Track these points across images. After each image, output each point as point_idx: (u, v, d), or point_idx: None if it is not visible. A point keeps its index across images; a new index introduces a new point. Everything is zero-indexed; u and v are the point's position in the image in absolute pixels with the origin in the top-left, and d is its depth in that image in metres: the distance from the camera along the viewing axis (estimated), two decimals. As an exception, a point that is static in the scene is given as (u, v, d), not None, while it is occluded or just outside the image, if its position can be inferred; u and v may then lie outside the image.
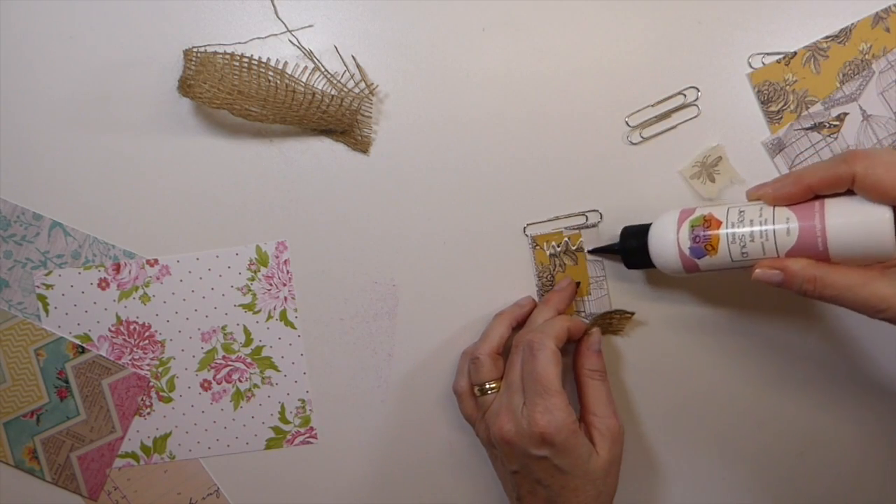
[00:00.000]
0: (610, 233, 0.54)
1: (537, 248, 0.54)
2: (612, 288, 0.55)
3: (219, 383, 0.55)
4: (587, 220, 0.54)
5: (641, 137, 0.54)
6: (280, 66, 0.51)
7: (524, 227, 0.54)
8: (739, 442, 0.56)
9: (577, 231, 0.54)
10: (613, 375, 0.56)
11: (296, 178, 0.54)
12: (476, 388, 0.52)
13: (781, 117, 0.54)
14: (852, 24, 0.54)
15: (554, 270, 0.54)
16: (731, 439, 0.56)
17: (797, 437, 0.56)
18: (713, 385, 0.56)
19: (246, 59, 0.50)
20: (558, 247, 0.54)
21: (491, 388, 0.51)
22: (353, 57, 0.53)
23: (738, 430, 0.56)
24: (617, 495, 0.50)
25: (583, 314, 0.55)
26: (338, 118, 0.52)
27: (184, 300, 0.54)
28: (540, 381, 0.48)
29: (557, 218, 0.54)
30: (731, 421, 0.56)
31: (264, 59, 0.51)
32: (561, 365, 0.49)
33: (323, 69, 0.52)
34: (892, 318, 0.42)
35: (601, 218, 0.54)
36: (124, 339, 0.55)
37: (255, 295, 0.54)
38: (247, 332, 0.55)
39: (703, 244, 0.46)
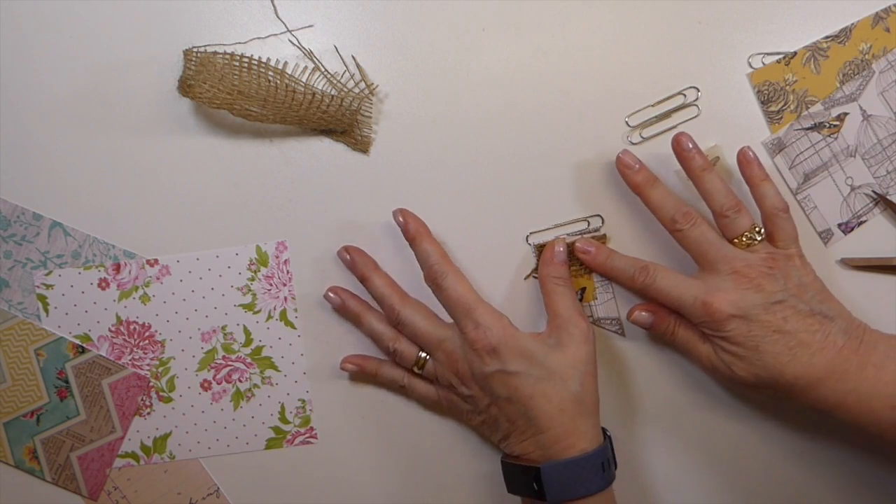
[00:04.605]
0: (611, 234, 0.54)
1: (540, 255, 0.54)
2: (618, 291, 0.55)
3: (219, 383, 0.55)
4: (589, 224, 0.54)
5: (641, 137, 0.54)
6: (280, 66, 0.51)
7: (527, 237, 0.54)
8: (737, 442, 0.56)
9: (579, 236, 0.54)
10: (614, 376, 0.56)
11: (296, 178, 0.54)
12: (415, 370, 0.52)
13: (781, 117, 0.54)
14: (852, 24, 0.54)
15: None
16: (729, 440, 0.56)
17: (797, 438, 0.56)
18: (711, 386, 0.56)
19: (246, 59, 0.50)
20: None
21: (424, 358, 0.52)
22: (353, 57, 0.53)
23: (736, 430, 0.56)
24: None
25: (590, 319, 0.55)
26: (338, 118, 0.52)
27: (184, 300, 0.54)
28: (457, 303, 0.49)
29: (559, 225, 0.54)
30: (730, 422, 0.56)
31: (264, 59, 0.51)
32: (465, 278, 0.50)
33: (323, 69, 0.52)
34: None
35: (602, 222, 0.54)
36: (124, 339, 0.55)
37: (255, 295, 0.54)
38: (247, 332, 0.55)
39: None
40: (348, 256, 0.53)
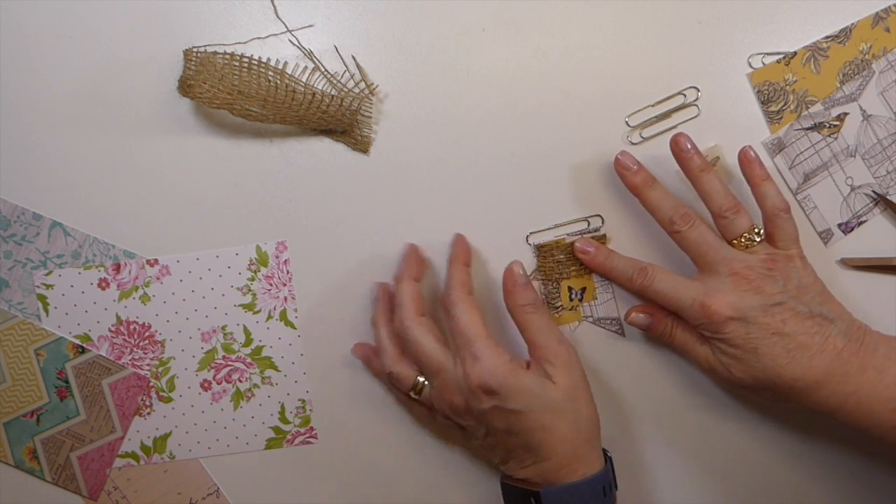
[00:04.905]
0: (611, 234, 0.54)
1: (540, 255, 0.54)
2: (618, 291, 0.55)
3: (219, 383, 0.55)
4: (589, 224, 0.54)
5: (641, 137, 0.54)
6: (280, 66, 0.51)
7: (527, 237, 0.54)
8: (736, 444, 0.56)
9: (579, 236, 0.54)
10: (613, 376, 0.56)
11: (296, 178, 0.54)
12: (412, 395, 0.50)
13: (781, 117, 0.54)
14: (852, 24, 0.54)
15: (560, 276, 0.54)
16: (727, 441, 0.56)
17: (795, 439, 0.56)
18: (710, 387, 0.56)
19: (246, 59, 0.50)
20: (561, 254, 0.54)
21: (423, 383, 0.50)
22: (353, 57, 0.53)
23: (734, 431, 0.56)
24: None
25: (590, 319, 0.55)
26: (338, 118, 0.52)
27: (184, 300, 0.54)
28: (461, 333, 0.48)
29: (559, 225, 0.54)
30: (728, 423, 0.56)
31: (264, 59, 0.51)
32: (478, 310, 0.49)
33: (323, 69, 0.52)
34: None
35: (602, 222, 0.54)
36: (124, 339, 0.55)
37: (255, 295, 0.54)
38: (247, 332, 0.55)
39: None
40: (405, 252, 0.53)
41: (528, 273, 0.54)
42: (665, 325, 0.52)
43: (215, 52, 0.50)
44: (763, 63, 0.54)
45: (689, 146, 0.50)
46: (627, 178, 0.51)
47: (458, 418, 0.49)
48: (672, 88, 0.54)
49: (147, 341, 0.55)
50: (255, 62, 0.50)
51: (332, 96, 0.51)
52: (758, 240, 0.49)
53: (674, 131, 0.53)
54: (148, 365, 0.55)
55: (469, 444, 0.53)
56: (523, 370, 0.48)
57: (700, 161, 0.50)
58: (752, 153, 0.50)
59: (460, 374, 0.47)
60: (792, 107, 0.54)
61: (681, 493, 0.57)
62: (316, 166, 0.54)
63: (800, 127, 0.54)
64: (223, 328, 0.55)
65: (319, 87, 0.52)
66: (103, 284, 0.54)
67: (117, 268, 0.54)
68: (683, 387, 0.56)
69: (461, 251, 0.52)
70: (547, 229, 0.54)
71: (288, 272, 0.54)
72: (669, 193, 0.51)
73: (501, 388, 0.46)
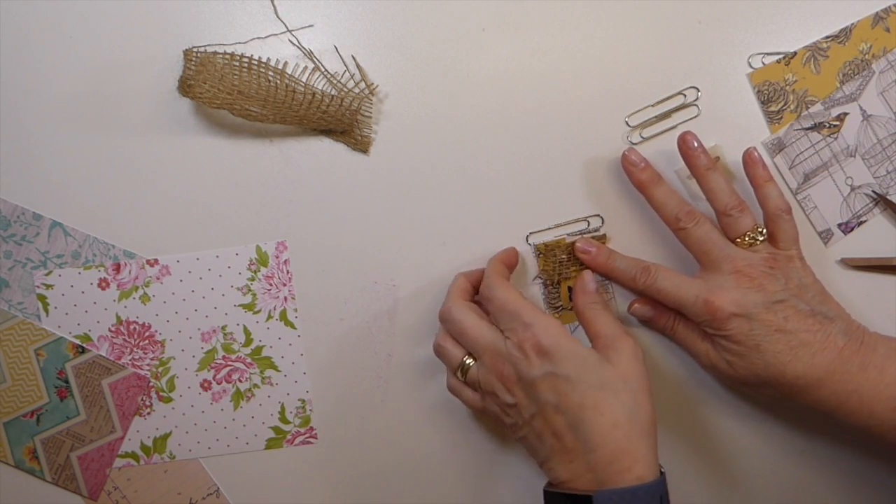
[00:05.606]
0: (611, 234, 0.54)
1: (541, 255, 0.54)
2: (617, 290, 0.55)
3: (219, 383, 0.55)
4: (589, 224, 0.54)
5: (641, 137, 0.54)
6: (280, 66, 0.51)
7: (527, 237, 0.54)
8: (738, 440, 0.56)
9: (579, 236, 0.54)
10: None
11: (296, 178, 0.54)
12: (458, 373, 0.50)
13: (781, 117, 0.54)
14: (852, 24, 0.54)
15: (561, 277, 0.54)
16: (729, 438, 0.56)
17: (798, 436, 0.56)
18: (711, 384, 0.56)
19: (246, 59, 0.50)
20: (563, 254, 0.54)
21: (469, 362, 0.49)
22: (353, 57, 0.53)
23: (736, 428, 0.56)
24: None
25: None
26: (338, 118, 0.52)
27: (184, 300, 0.54)
28: (504, 309, 0.47)
29: (559, 225, 0.54)
30: (730, 420, 0.56)
31: (264, 59, 0.51)
32: (516, 291, 0.48)
33: (323, 69, 0.52)
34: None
35: (602, 222, 0.54)
36: (124, 339, 0.55)
37: (255, 295, 0.54)
38: (247, 332, 0.55)
39: None
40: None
41: (535, 275, 0.55)
42: (666, 318, 0.52)
43: (215, 52, 0.50)
44: (763, 63, 0.54)
45: (696, 144, 0.51)
46: (634, 175, 0.51)
47: (507, 394, 0.47)
48: (672, 88, 0.54)
49: (147, 341, 0.55)
50: (255, 62, 0.50)
51: (332, 96, 0.51)
52: (761, 239, 0.49)
53: (674, 131, 0.53)
54: (148, 365, 0.55)
55: (514, 435, 0.49)
56: (575, 338, 0.46)
57: (706, 160, 0.50)
58: (756, 154, 0.51)
59: (512, 344, 0.47)
60: (792, 107, 0.54)
61: (682, 489, 0.57)
62: (316, 166, 0.54)
63: (800, 127, 0.54)
64: (223, 328, 0.55)
65: (319, 87, 0.52)
66: (103, 284, 0.54)
67: (117, 268, 0.54)
68: (683, 384, 0.56)
69: (504, 252, 0.52)
70: (547, 229, 0.54)
71: (288, 272, 0.54)
72: (675, 191, 0.51)
73: (554, 349, 0.45)
